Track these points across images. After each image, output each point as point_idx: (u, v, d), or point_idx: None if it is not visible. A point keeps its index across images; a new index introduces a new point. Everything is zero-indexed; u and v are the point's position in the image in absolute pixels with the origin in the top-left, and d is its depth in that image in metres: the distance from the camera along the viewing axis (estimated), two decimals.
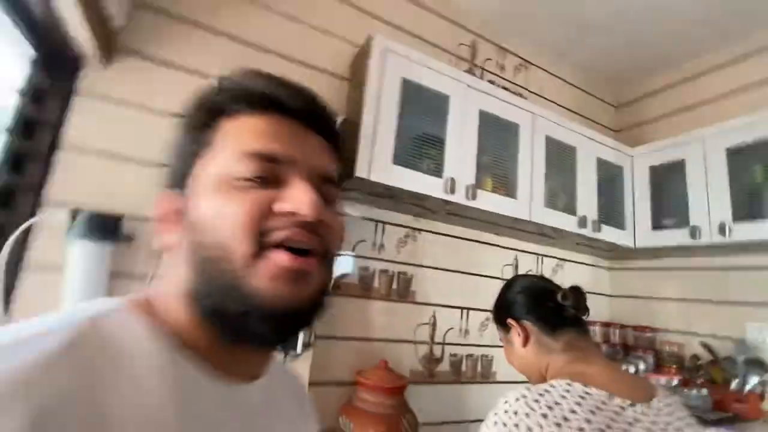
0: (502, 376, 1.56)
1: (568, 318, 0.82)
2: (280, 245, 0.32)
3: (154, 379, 0.29)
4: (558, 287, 0.87)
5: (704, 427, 0.76)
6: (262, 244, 0.32)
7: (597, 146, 1.69)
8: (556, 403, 0.62)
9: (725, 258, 1.64)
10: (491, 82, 1.66)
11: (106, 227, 0.91)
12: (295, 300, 0.32)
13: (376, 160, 1.16)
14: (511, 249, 1.76)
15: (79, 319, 0.29)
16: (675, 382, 1.59)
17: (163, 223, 0.37)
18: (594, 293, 2.00)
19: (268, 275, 0.31)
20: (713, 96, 1.81)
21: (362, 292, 1.40)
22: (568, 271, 1.93)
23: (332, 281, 0.38)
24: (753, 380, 1.44)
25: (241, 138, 0.35)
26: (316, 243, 0.34)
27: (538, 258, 1.85)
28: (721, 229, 1.43)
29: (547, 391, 0.65)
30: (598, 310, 2.01)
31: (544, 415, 0.61)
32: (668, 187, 1.68)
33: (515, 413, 0.62)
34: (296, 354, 1.10)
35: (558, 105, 1.99)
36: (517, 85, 1.83)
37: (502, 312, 0.90)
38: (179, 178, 0.36)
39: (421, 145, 1.29)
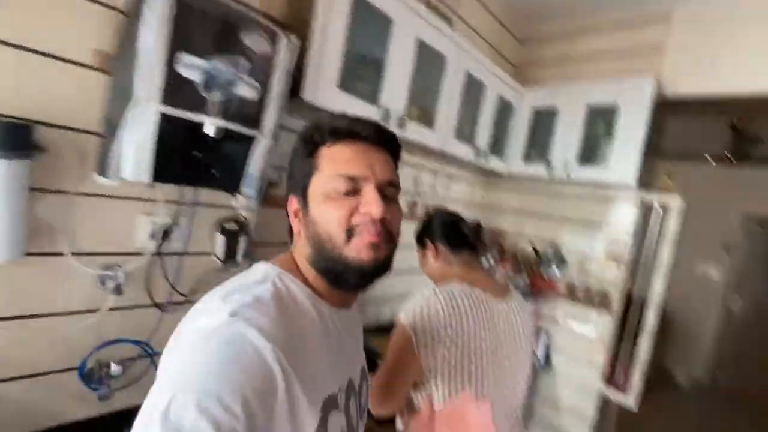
0: None
1: (467, 244, 1.12)
2: (361, 232, 0.53)
3: (307, 308, 0.54)
4: (465, 222, 1.16)
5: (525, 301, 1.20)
6: (351, 232, 0.53)
7: (501, 84, 1.93)
8: (454, 295, 0.95)
9: (562, 187, 2.22)
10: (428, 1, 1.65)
11: (16, 138, 0.77)
12: (372, 262, 0.54)
13: (323, 83, 1.16)
14: (414, 165, 2.01)
15: (269, 282, 0.52)
16: (509, 270, 2.25)
17: (293, 216, 0.59)
18: (470, 204, 2.49)
19: (355, 249, 0.53)
20: (593, 53, 2.17)
21: None
22: (455, 186, 2.32)
23: (395, 252, 0.59)
24: (555, 270, 2.15)
25: (333, 164, 0.55)
26: (382, 230, 0.54)
27: (434, 174, 2.15)
28: (569, 169, 1.92)
29: (450, 289, 0.97)
30: (472, 216, 2.52)
31: (446, 301, 0.93)
32: (541, 128, 2.08)
33: (429, 299, 0.94)
34: (237, 263, 1.20)
35: (477, 33, 2.10)
36: (448, 6, 1.84)
37: (424, 234, 1.17)
38: (300, 189, 0.57)
39: (362, 69, 1.30)
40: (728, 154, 3.29)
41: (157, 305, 1.08)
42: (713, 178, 4.17)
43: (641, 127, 1.72)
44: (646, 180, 1.95)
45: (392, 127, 1.39)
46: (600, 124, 1.89)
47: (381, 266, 0.55)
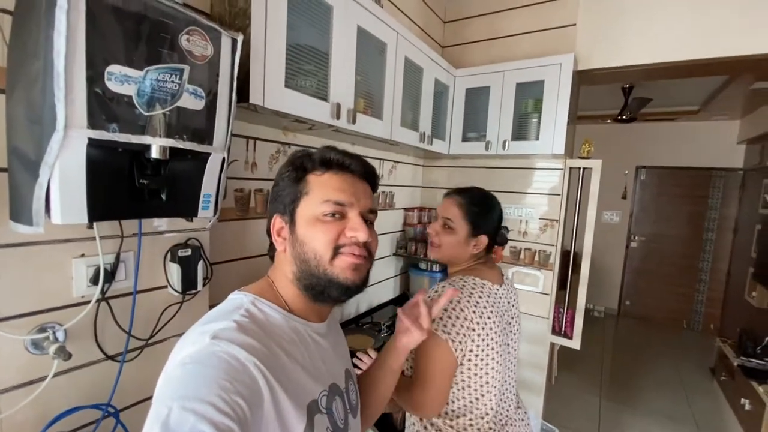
0: None
1: (497, 242, 1.14)
2: (346, 253, 0.60)
3: (282, 325, 0.59)
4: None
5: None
6: (336, 252, 0.60)
7: (436, 67, 1.94)
8: (474, 289, 1.00)
9: (497, 161, 2.35)
10: None
11: None
12: (354, 280, 0.61)
13: (269, 83, 1.05)
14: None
15: (243, 309, 0.57)
16: None
17: (276, 236, 0.64)
18: (412, 186, 2.52)
19: (340, 268, 0.60)
20: (515, 32, 2.27)
21: (240, 214, 1.37)
22: (399, 171, 2.33)
23: (371, 269, 0.66)
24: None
25: (323, 190, 0.61)
26: (364, 251, 0.62)
27: (380, 162, 2.13)
28: (504, 144, 2.03)
29: (474, 283, 1.02)
30: (414, 197, 2.57)
31: (470, 294, 0.99)
32: (475, 108, 2.15)
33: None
34: (197, 291, 1.08)
35: (405, 15, 2.07)
36: None
37: (482, 225, 1.09)
38: (288, 210, 0.62)
39: (307, 64, 1.21)
40: (621, 114, 3.76)
41: (111, 357, 0.93)
42: (611, 135, 4.76)
43: (565, 100, 1.87)
44: (569, 146, 2.14)
45: (344, 121, 1.33)
46: (529, 100, 2.02)
47: (360, 284, 0.63)
